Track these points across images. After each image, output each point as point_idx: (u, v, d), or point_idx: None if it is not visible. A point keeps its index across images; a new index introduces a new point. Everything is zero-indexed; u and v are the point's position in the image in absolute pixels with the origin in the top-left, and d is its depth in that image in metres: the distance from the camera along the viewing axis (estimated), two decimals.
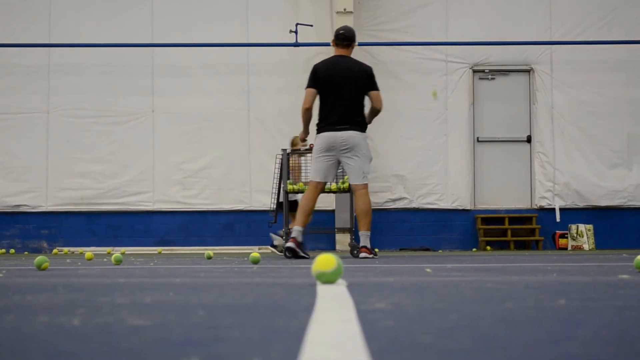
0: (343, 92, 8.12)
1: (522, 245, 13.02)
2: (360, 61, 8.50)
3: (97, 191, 12.89)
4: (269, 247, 11.67)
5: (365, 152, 8.17)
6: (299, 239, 8.13)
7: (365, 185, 8.23)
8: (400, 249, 12.74)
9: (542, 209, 13.11)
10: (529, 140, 13.31)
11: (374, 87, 8.21)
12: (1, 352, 1.50)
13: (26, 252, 12.64)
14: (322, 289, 2.96)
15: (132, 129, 12.95)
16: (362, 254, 8.13)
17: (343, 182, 9.05)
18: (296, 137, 10.09)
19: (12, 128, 12.91)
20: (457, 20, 13.15)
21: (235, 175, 12.93)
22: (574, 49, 13.14)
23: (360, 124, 8.18)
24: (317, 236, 12.41)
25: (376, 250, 9.17)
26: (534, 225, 12.99)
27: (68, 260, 8.07)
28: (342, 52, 8.30)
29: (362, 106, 8.24)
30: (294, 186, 9.26)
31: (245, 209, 12.93)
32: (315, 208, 12.43)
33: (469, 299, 2.75)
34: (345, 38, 8.28)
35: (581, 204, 13.09)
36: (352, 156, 8.12)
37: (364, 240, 8.18)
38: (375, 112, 8.26)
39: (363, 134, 8.20)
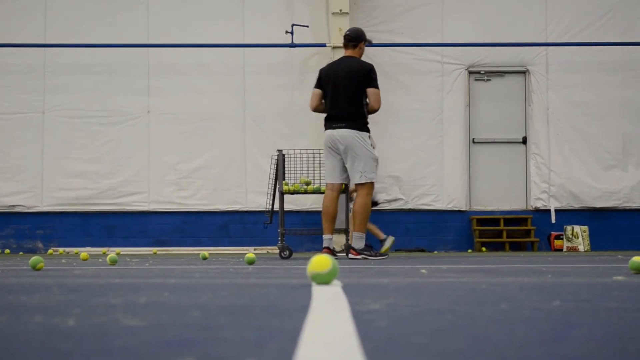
0: (339, 90, 8.15)
1: (517, 247, 13.03)
2: (363, 60, 8.49)
3: (93, 191, 12.86)
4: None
5: (363, 150, 8.12)
6: (331, 246, 8.17)
7: (365, 185, 8.13)
8: (396, 250, 12.75)
9: (537, 210, 13.12)
10: (524, 141, 13.32)
11: (371, 84, 8.17)
12: None
13: (21, 253, 12.61)
14: (317, 290, 2.96)
15: (127, 129, 12.93)
16: (350, 255, 8.11)
17: None
18: None
19: (7, 128, 12.89)
20: (452, 21, 13.15)
21: (230, 175, 12.91)
22: (570, 51, 13.15)
23: (357, 122, 8.14)
24: (313, 237, 12.40)
25: (383, 250, 9.20)
26: (529, 227, 12.99)
27: (63, 261, 8.06)
28: (348, 52, 8.38)
29: (359, 104, 8.19)
30: (289, 187, 9.24)
31: (240, 209, 12.92)
32: (312, 208, 12.59)
33: (463, 300, 2.75)
34: (350, 39, 8.34)
35: (576, 206, 13.10)
36: (350, 156, 8.12)
37: (354, 241, 8.13)
38: (370, 109, 8.23)
39: (361, 132, 8.15)
